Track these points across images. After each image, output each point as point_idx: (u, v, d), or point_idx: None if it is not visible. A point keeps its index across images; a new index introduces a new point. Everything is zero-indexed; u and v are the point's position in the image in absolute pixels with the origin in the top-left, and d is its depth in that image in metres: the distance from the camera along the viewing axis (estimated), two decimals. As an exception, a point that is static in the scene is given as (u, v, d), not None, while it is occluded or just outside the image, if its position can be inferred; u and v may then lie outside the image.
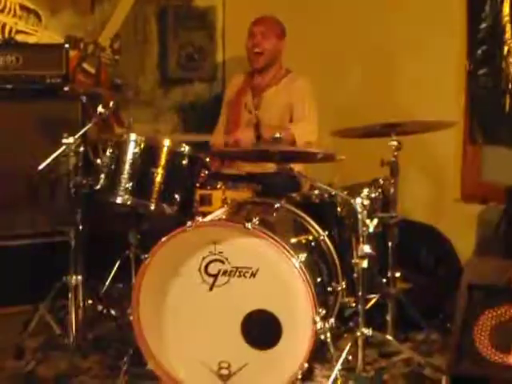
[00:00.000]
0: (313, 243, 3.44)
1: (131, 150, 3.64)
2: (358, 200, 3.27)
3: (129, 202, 3.63)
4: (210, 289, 3.19)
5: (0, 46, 4.57)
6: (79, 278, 3.74)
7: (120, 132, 4.57)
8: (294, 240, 3.38)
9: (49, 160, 3.62)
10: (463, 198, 4.51)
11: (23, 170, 4.16)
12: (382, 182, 3.67)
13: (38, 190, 4.30)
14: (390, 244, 3.65)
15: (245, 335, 3.17)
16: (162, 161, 3.64)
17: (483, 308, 3.09)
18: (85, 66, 5.16)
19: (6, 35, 4.84)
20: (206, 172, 3.81)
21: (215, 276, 3.18)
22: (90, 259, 3.85)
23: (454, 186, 4.55)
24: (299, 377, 3.10)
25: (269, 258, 3.12)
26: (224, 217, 3.43)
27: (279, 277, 3.12)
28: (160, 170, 3.63)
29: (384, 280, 3.69)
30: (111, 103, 3.83)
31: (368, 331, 3.27)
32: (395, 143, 3.61)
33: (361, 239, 3.22)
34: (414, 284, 4.07)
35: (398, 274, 3.71)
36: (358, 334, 3.25)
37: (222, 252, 3.17)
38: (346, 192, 3.45)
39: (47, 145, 3.82)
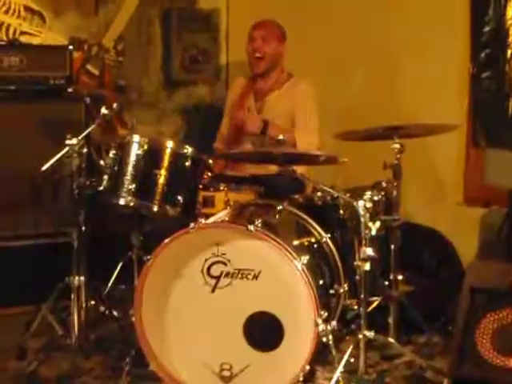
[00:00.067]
0: (315, 245, 3.45)
1: (134, 151, 3.65)
2: (361, 202, 3.27)
3: (132, 204, 3.63)
4: (213, 290, 3.20)
5: (4, 47, 4.58)
6: (82, 278, 3.75)
7: (123, 133, 4.57)
8: (296, 242, 3.39)
9: (52, 161, 3.62)
10: (466, 201, 4.51)
11: (26, 171, 4.17)
12: (384, 184, 3.67)
13: (41, 190, 4.31)
14: (392, 247, 3.65)
15: (247, 337, 3.18)
16: (165, 162, 3.64)
17: (485, 311, 3.09)
18: (88, 67, 5.18)
19: (11, 36, 4.85)
20: (209, 174, 3.82)
21: (217, 278, 3.19)
22: (93, 260, 3.86)
23: (457, 189, 4.55)
24: (301, 379, 3.11)
25: (271, 260, 3.13)
26: (227, 219, 3.43)
27: (281, 279, 3.12)
28: (163, 172, 3.63)
29: (386, 282, 3.69)
30: (115, 105, 3.84)
31: (370, 334, 3.27)
32: (398, 146, 3.60)
33: (363, 242, 3.22)
34: (416, 287, 4.07)
35: (400, 277, 3.71)
36: (360, 336, 3.25)
37: (224, 254, 3.18)
38: (348, 194, 3.46)
39: (51, 146, 3.82)
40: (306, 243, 3.43)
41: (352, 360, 3.29)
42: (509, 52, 4.26)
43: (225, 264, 3.18)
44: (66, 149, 3.64)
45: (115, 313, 3.97)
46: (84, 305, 3.77)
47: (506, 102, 4.29)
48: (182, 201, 3.65)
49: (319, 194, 3.63)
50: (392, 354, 3.59)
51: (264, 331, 3.16)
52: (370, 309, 3.56)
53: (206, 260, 3.20)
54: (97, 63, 5.19)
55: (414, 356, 3.49)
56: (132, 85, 5.36)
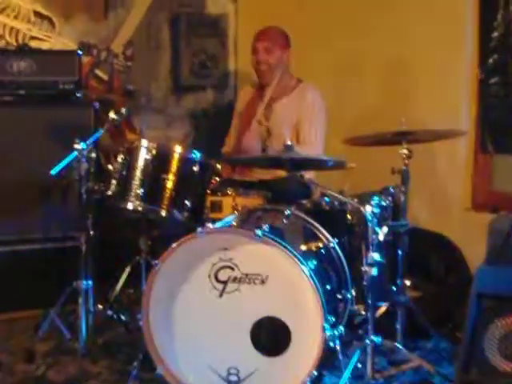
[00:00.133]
0: (323, 250, 3.44)
1: (143, 156, 3.66)
2: (368, 208, 3.28)
3: (140, 208, 3.65)
4: (220, 295, 3.20)
5: (14, 52, 4.61)
6: (89, 282, 3.76)
7: (132, 138, 4.59)
8: (303, 247, 3.39)
9: (61, 165, 3.64)
10: (474, 207, 4.50)
11: (35, 175, 4.18)
12: (392, 190, 3.67)
13: (49, 195, 4.32)
14: (400, 252, 3.65)
15: (254, 342, 3.18)
16: (173, 167, 3.66)
17: (493, 317, 3.09)
18: (98, 72, 5.20)
19: (20, 41, 4.88)
20: (217, 179, 3.83)
21: (225, 282, 3.19)
22: (101, 264, 3.87)
23: (465, 194, 4.53)
24: (308, 384, 3.11)
25: (278, 265, 3.13)
26: (234, 223, 3.44)
27: (289, 284, 3.12)
28: (171, 177, 3.65)
29: (394, 288, 3.68)
30: (123, 110, 3.85)
31: (377, 339, 3.27)
32: (406, 151, 3.60)
33: (370, 247, 3.23)
34: (423, 292, 4.06)
35: (408, 283, 3.71)
36: (368, 341, 3.26)
37: (232, 259, 3.18)
38: (356, 200, 3.46)
39: (59, 150, 3.83)
40: (314, 248, 3.43)
41: (359, 365, 3.29)
42: (517, 58, 4.27)
43: (232, 269, 3.18)
44: (75, 153, 3.65)
45: (123, 317, 3.98)
46: (92, 309, 3.78)
47: (514, 108, 4.29)
48: (189, 205, 3.66)
49: (327, 199, 3.63)
50: (399, 360, 3.59)
51: (271, 336, 3.16)
52: (378, 314, 3.58)
53: (213, 265, 3.20)
54: (106, 68, 5.22)
55: (422, 361, 3.49)
56: (141, 90, 5.38)
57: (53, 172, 3.60)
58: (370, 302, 3.28)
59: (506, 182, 4.39)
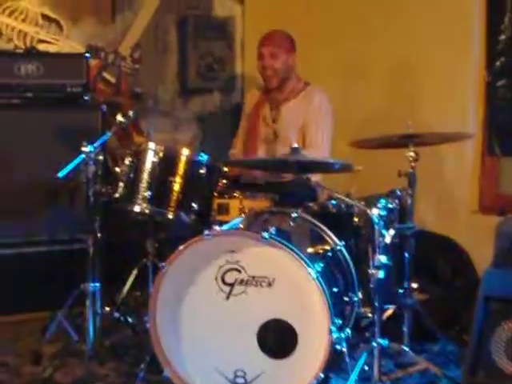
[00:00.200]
0: (329, 253, 3.44)
1: (150, 158, 3.67)
2: (375, 210, 3.28)
3: (147, 211, 3.66)
4: (227, 298, 3.21)
5: (21, 55, 4.62)
6: (97, 285, 3.77)
7: (139, 141, 4.60)
8: (310, 250, 3.39)
9: (68, 168, 3.65)
10: (481, 210, 4.50)
11: (43, 178, 4.19)
12: (399, 192, 3.67)
13: (57, 197, 4.33)
14: (406, 255, 3.64)
15: (261, 344, 3.18)
16: (180, 170, 3.67)
17: (500, 320, 3.09)
18: (105, 75, 5.21)
19: (28, 44, 4.89)
20: (224, 181, 3.83)
21: (232, 285, 3.20)
22: (108, 267, 3.88)
23: (472, 197, 4.53)
24: (315, 386, 3.11)
25: (285, 267, 3.13)
26: (241, 226, 3.44)
27: (296, 286, 3.13)
28: (178, 179, 3.65)
29: (401, 291, 3.68)
30: (130, 112, 3.86)
31: (384, 341, 3.26)
32: (412, 154, 3.60)
33: (377, 250, 3.22)
34: (430, 295, 4.06)
35: (415, 285, 3.70)
36: (374, 344, 3.25)
37: (238, 261, 3.19)
38: (363, 202, 3.46)
39: (67, 153, 3.83)
40: (321, 251, 3.43)
41: (366, 368, 3.29)
42: (524, 60, 4.27)
43: (239, 271, 3.19)
44: (82, 156, 3.66)
45: (130, 319, 3.99)
46: (99, 311, 3.78)
47: (521, 111, 4.29)
48: (196, 208, 3.67)
49: (334, 201, 3.63)
50: (406, 363, 3.59)
51: (278, 338, 3.16)
52: (385, 317, 3.57)
53: (220, 267, 3.21)
54: (113, 71, 5.23)
55: (429, 364, 3.48)
56: (148, 92, 5.39)
57: (60, 175, 3.60)
58: (376, 304, 3.27)
59: (514, 184, 4.40)
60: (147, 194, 3.63)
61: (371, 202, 3.46)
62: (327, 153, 4.33)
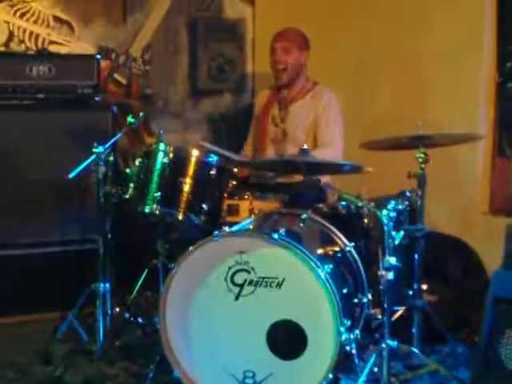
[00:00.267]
0: (339, 254, 3.45)
1: (160, 159, 3.69)
2: (385, 212, 3.28)
3: (157, 212, 3.67)
4: (236, 298, 3.21)
5: (33, 56, 4.65)
6: (107, 285, 3.79)
7: (149, 142, 4.61)
8: (320, 251, 3.40)
9: (79, 169, 3.67)
10: (491, 211, 4.48)
11: (54, 179, 4.21)
12: (409, 194, 3.67)
13: (68, 198, 4.35)
14: (416, 256, 3.64)
15: (270, 345, 3.18)
16: (191, 171, 3.68)
17: (509, 321, 3.08)
18: (116, 76, 5.23)
19: (40, 46, 4.91)
20: (234, 182, 3.84)
21: (241, 286, 3.20)
22: (119, 267, 3.89)
23: (483, 198, 4.52)
24: (324, 387, 3.11)
25: (295, 268, 3.13)
26: (251, 227, 3.45)
27: (305, 287, 3.13)
28: (188, 180, 3.67)
29: (410, 292, 3.68)
30: (141, 114, 3.88)
31: (393, 343, 3.26)
32: (422, 155, 3.60)
33: (387, 251, 3.22)
34: (440, 296, 4.06)
35: (424, 287, 3.70)
36: (384, 345, 3.25)
37: (248, 262, 3.19)
38: (372, 204, 3.46)
39: (78, 154, 3.86)
40: (330, 252, 3.44)
41: (375, 369, 3.29)
42: (535, 62, 4.26)
43: (248, 272, 3.19)
44: (93, 157, 3.68)
45: (140, 320, 4.00)
46: (109, 311, 3.81)
47: (531, 112, 4.28)
48: (206, 209, 3.68)
49: (343, 203, 3.63)
50: (416, 364, 3.58)
51: (287, 339, 3.17)
52: (394, 318, 3.57)
53: (229, 268, 3.21)
54: (124, 72, 5.25)
55: (438, 366, 3.48)
56: (159, 94, 5.40)
57: (70, 175, 3.63)
58: (386, 306, 3.27)
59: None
60: (157, 194, 3.65)
61: (381, 203, 3.46)
62: (340, 150, 4.34)
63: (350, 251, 3.46)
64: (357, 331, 3.28)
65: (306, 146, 3.47)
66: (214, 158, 3.72)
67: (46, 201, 4.36)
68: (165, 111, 5.42)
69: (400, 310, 3.67)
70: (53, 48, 4.96)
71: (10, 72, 4.39)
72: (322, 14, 5.16)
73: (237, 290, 3.20)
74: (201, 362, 3.29)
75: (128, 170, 3.75)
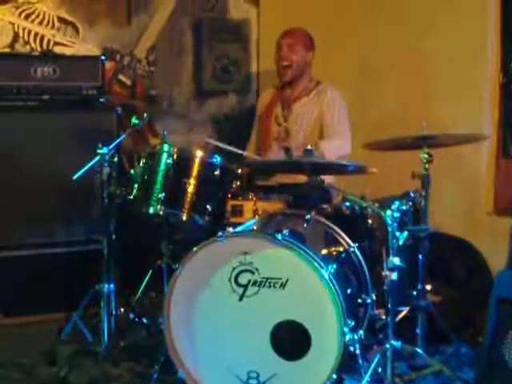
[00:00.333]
0: (343, 255, 3.45)
1: (164, 160, 3.69)
2: (389, 212, 3.27)
3: (161, 212, 3.68)
4: (240, 299, 3.22)
5: (38, 57, 4.66)
6: (112, 286, 3.80)
7: (154, 143, 4.62)
8: (324, 251, 3.40)
9: (83, 170, 3.68)
10: (496, 211, 4.48)
11: (59, 180, 4.22)
12: (413, 194, 3.67)
13: (72, 199, 4.35)
14: (420, 257, 3.64)
15: (274, 345, 3.19)
16: (195, 172, 3.69)
17: (513, 322, 3.08)
18: (121, 77, 5.23)
19: (44, 47, 4.92)
20: (238, 183, 3.84)
21: (245, 286, 3.20)
22: (123, 268, 3.90)
23: (487, 199, 4.52)
24: (328, 388, 3.11)
25: (299, 269, 3.13)
26: (255, 228, 3.45)
27: (309, 288, 3.13)
28: (192, 181, 3.67)
29: (414, 292, 3.68)
30: (145, 115, 3.88)
31: (397, 343, 3.26)
32: (427, 156, 3.61)
33: (391, 251, 3.22)
34: (444, 297, 4.05)
35: (428, 287, 3.70)
36: (387, 345, 3.25)
37: (252, 262, 3.19)
38: (377, 204, 3.46)
39: (82, 155, 3.87)
40: (334, 253, 3.44)
41: (379, 369, 3.29)
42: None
43: (252, 273, 3.19)
44: (98, 158, 3.69)
45: (144, 320, 4.01)
46: (114, 312, 3.81)
47: (536, 112, 4.28)
48: (210, 210, 3.68)
49: (347, 203, 3.63)
50: (420, 364, 3.58)
51: (291, 340, 3.17)
52: (398, 319, 3.57)
53: (233, 268, 3.22)
54: (129, 73, 5.26)
55: (442, 366, 3.49)
56: (163, 95, 5.41)
57: (75, 177, 3.64)
58: (390, 306, 3.27)
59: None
60: (161, 195, 3.66)
61: (385, 203, 3.46)
62: (349, 140, 4.37)
63: (354, 252, 3.46)
64: (361, 332, 3.27)
65: (309, 147, 3.47)
66: (217, 159, 3.72)
67: (50, 202, 4.36)
68: (169, 112, 5.42)
69: (404, 311, 3.67)
70: (57, 49, 4.96)
71: (14, 73, 4.40)
72: (327, 14, 5.17)
73: (241, 290, 3.21)
74: (205, 363, 3.30)
75: (132, 171, 3.76)
